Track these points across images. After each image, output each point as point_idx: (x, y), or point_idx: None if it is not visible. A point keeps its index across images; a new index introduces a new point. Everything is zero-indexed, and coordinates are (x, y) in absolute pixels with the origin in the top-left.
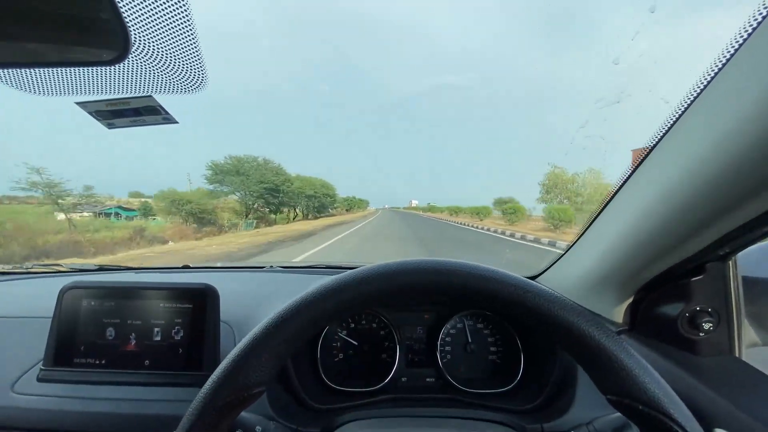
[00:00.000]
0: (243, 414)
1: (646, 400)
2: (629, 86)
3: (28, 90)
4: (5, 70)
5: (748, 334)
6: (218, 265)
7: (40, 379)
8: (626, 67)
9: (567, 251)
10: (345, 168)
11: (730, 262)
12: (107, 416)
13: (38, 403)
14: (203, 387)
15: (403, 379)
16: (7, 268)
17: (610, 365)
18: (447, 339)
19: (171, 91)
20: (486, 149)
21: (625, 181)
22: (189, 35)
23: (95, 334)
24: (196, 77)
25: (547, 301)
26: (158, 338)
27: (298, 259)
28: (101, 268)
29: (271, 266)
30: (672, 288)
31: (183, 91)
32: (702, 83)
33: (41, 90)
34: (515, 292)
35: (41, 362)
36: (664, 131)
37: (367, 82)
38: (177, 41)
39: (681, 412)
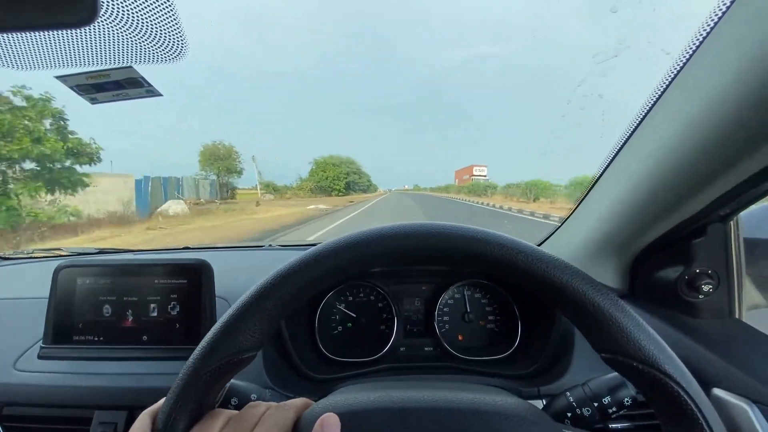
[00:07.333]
0: (238, 383)
1: (641, 356)
2: (628, 37)
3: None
4: None
5: (748, 295)
6: (218, 245)
7: (40, 357)
8: (625, 16)
9: (565, 220)
10: (367, 147)
11: (732, 223)
12: (107, 390)
13: (39, 380)
14: (193, 353)
15: (402, 349)
16: (8, 253)
17: (604, 322)
18: (445, 309)
19: (148, 60)
20: (511, 127)
21: (623, 144)
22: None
23: (92, 312)
24: (174, 45)
25: (539, 261)
26: (155, 314)
27: None
28: (101, 251)
29: (270, 245)
30: (671, 251)
31: (161, 60)
32: (703, 32)
33: (13, 62)
34: (507, 253)
35: (41, 341)
36: (664, 86)
37: (398, 59)
38: (150, 6)
39: (676, 367)
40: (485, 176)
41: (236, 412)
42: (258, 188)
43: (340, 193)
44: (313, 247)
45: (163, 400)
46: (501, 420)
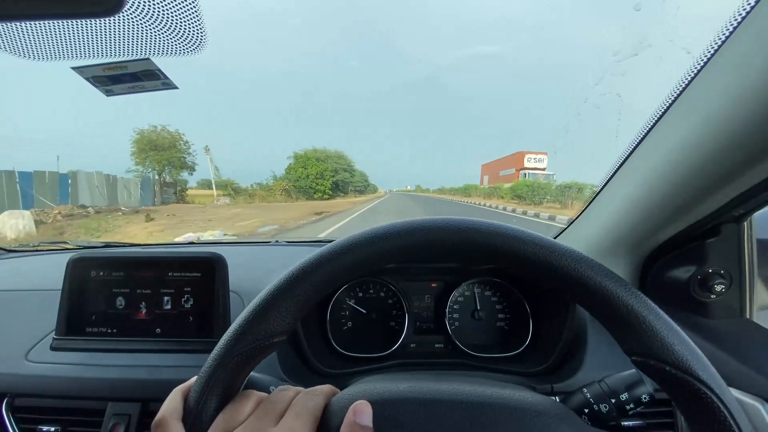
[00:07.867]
0: (257, 375)
1: (674, 361)
2: (650, 35)
3: (19, 53)
4: None
5: (760, 296)
6: (224, 240)
7: (53, 348)
8: (648, 14)
9: (577, 217)
10: (367, 146)
11: (746, 224)
12: (120, 382)
13: (52, 371)
14: (225, 334)
15: (412, 345)
16: (14, 245)
17: (636, 326)
18: (455, 306)
19: (168, 52)
20: (512, 125)
21: (639, 142)
22: None
23: (105, 304)
24: (194, 38)
25: (573, 261)
26: (168, 306)
27: None
28: (107, 245)
29: (277, 241)
30: (684, 251)
31: (180, 53)
32: (726, 31)
33: (34, 53)
34: (540, 252)
35: (53, 332)
36: (683, 85)
37: (395, 56)
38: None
39: (710, 374)
40: (545, 170)
41: (266, 394)
42: (214, 188)
43: (325, 195)
44: (347, 236)
45: (193, 379)
46: (532, 417)
